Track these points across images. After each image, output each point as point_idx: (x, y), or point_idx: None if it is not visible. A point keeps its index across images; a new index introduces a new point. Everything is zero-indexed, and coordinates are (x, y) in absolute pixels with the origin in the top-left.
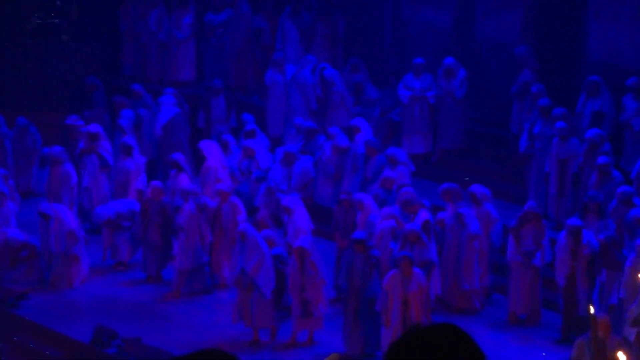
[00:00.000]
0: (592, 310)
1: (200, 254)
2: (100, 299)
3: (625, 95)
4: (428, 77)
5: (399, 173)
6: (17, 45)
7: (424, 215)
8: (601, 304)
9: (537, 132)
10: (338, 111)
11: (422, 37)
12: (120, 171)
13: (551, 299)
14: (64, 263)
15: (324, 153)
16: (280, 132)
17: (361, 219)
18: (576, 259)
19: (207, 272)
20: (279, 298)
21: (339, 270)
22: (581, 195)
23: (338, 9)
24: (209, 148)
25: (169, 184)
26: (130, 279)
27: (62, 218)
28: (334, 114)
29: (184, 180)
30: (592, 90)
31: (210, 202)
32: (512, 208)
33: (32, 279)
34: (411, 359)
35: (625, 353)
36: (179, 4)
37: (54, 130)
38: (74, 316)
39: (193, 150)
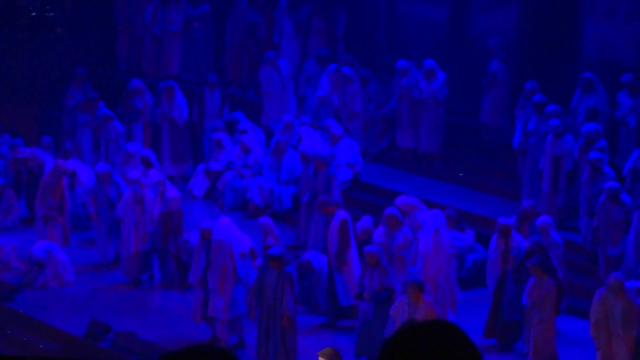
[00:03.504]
0: None
1: (129, 242)
2: (94, 292)
3: (620, 91)
4: (413, 74)
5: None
6: (11, 38)
7: (340, 215)
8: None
9: (531, 128)
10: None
11: (417, 32)
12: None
13: None
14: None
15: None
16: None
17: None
18: (506, 262)
19: (138, 263)
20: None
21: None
22: (575, 193)
23: (339, 5)
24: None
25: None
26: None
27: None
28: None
29: (154, 176)
30: (587, 86)
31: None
32: (507, 203)
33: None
34: (406, 355)
35: None
36: None
37: (46, 124)
38: (68, 309)
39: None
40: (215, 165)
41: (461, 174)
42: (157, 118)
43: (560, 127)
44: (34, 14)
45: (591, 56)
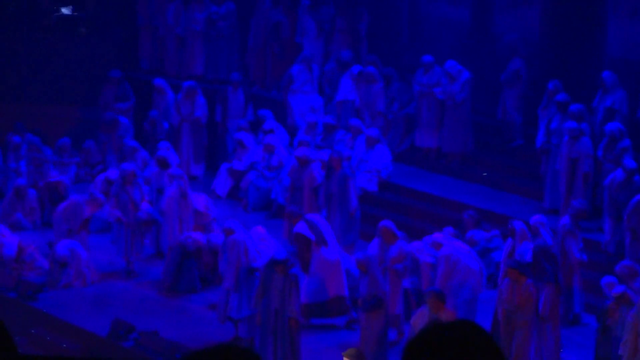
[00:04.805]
0: None
1: (173, 237)
2: (117, 292)
3: None
4: (436, 72)
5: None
6: (35, 38)
7: (296, 227)
8: None
9: (554, 127)
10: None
11: (439, 32)
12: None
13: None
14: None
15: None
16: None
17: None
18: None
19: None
20: None
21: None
22: (596, 193)
23: (362, 5)
24: (171, 155)
25: (153, 182)
26: (148, 272)
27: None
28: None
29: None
30: (605, 86)
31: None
32: (529, 203)
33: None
34: (430, 354)
35: None
36: None
37: (70, 124)
38: (91, 309)
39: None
40: (239, 165)
41: (485, 174)
42: (174, 119)
43: (576, 130)
44: (64, 9)
45: (615, 56)
